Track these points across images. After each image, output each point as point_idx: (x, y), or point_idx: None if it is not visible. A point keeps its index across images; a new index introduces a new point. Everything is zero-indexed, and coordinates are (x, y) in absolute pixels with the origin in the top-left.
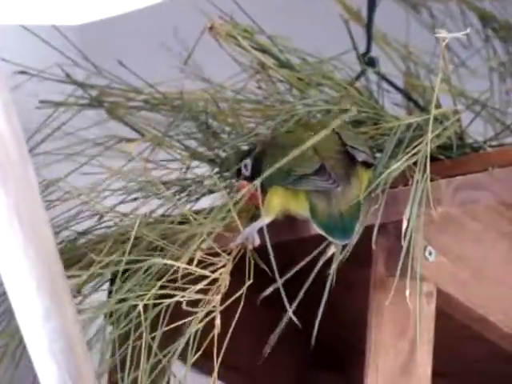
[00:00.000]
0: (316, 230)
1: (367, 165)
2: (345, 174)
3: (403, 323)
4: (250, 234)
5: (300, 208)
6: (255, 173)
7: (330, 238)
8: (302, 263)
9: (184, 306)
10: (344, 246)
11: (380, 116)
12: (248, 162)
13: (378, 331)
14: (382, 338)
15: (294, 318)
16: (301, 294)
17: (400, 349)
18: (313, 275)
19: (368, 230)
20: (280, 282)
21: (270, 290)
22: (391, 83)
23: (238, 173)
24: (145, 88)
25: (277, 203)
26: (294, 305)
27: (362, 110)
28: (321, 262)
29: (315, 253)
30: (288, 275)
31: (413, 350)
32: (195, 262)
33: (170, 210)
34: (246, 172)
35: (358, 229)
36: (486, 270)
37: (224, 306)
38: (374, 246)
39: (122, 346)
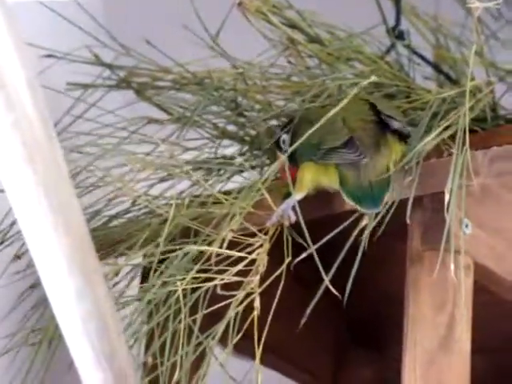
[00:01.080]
0: (346, 200)
1: (400, 136)
2: (374, 144)
3: (441, 297)
4: (285, 211)
5: (331, 181)
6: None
7: (358, 207)
8: (334, 232)
9: (219, 290)
10: (378, 219)
11: (411, 89)
12: (286, 137)
13: (415, 305)
14: (420, 313)
15: (332, 288)
16: (336, 264)
17: (439, 323)
18: (347, 247)
19: (403, 203)
20: (315, 254)
21: (304, 254)
22: (421, 56)
23: (279, 148)
24: (173, 68)
25: (308, 178)
26: (330, 276)
27: (393, 83)
28: (354, 233)
29: (346, 223)
30: (321, 242)
31: (452, 324)
32: (227, 244)
33: (200, 192)
34: (285, 147)
35: (387, 198)
36: None
37: (263, 286)
38: (408, 220)
39: (162, 331)
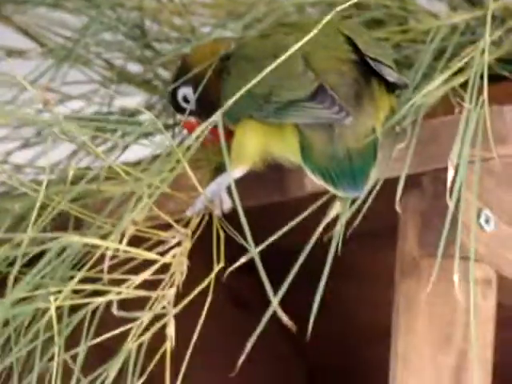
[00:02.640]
0: (311, 177)
1: (388, 85)
2: (354, 96)
3: (447, 326)
4: (216, 194)
5: (287, 149)
6: (206, 104)
7: (332, 189)
8: (286, 227)
9: (114, 310)
10: (354, 204)
11: (408, 12)
12: (187, 91)
13: (407, 340)
14: (415, 351)
15: (283, 316)
16: (289, 278)
17: (442, 365)
18: (306, 250)
19: (389, 185)
20: (257, 260)
21: (243, 259)
22: None
23: (178, 108)
24: None
25: (252, 145)
26: (279, 296)
27: (382, 3)
28: (320, 228)
29: (306, 213)
30: (266, 243)
31: (461, 366)
32: (128, 240)
33: (87, 163)
34: (188, 105)
35: (374, 177)
36: None
37: (181, 305)
38: (398, 209)
39: (23, 370)
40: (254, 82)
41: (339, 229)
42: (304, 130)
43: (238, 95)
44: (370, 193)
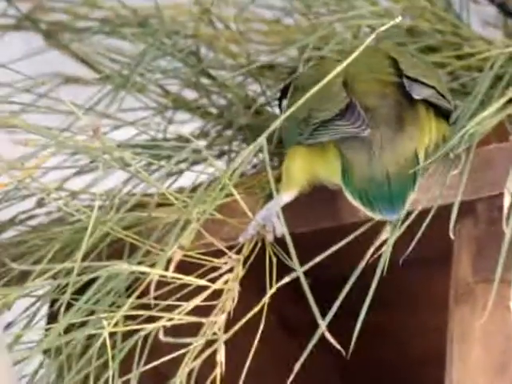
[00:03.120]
0: (349, 200)
1: (439, 111)
2: (395, 118)
3: (502, 354)
4: (267, 220)
5: (330, 172)
6: None
7: (369, 211)
8: (331, 250)
9: (162, 337)
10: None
11: (464, 40)
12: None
13: (462, 365)
14: (469, 377)
15: (332, 340)
16: (337, 302)
17: None
18: (356, 274)
19: (444, 210)
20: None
21: (286, 279)
22: None
23: None
24: (103, 1)
25: (298, 170)
26: (328, 320)
27: (436, 28)
28: (368, 254)
29: (350, 238)
30: (311, 263)
31: None
32: (180, 267)
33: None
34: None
35: (412, 201)
36: None
37: (232, 330)
38: (452, 235)
39: None
40: (294, 107)
41: (386, 253)
42: (345, 152)
43: (280, 120)
44: (422, 219)
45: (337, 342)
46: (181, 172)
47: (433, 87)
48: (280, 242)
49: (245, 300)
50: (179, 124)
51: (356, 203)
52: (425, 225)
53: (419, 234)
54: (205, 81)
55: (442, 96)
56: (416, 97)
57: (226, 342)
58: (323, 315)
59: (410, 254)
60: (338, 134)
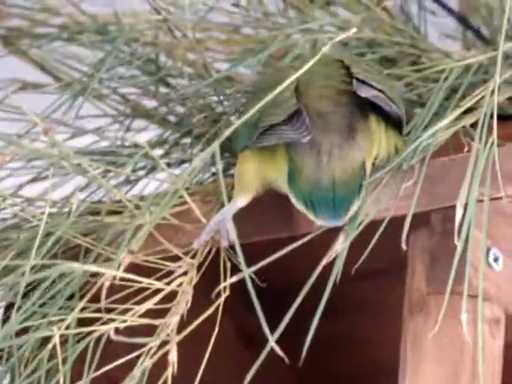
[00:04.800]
0: (294, 203)
1: (392, 122)
2: (347, 126)
3: (454, 366)
4: (221, 225)
5: (278, 175)
6: None
7: (312, 216)
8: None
9: (113, 336)
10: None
11: (422, 51)
12: None
13: (415, 377)
14: None
15: (279, 351)
16: (289, 313)
17: None
18: (309, 284)
19: (399, 222)
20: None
21: (233, 279)
22: (440, 2)
23: None
24: (62, 8)
25: (250, 174)
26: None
27: (394, 41)
28: (321, 264)
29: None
30: (258, 265)
31: None
32: (136, 271)
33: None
34: None
35: (357, 209)
36: None
37: (185, 332)
38: (404, 246)
39: None
40: (247, 114)
41: (339, 263)
42: (294, 156)
43: (233, 127)
44: (375, 230)
45: (292, 353)
46: (138, 179)
47: (381, 91)
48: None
49: (201, 306)
50: (139, 132)
51: (300, 206)
52: (377, 235)
53: (371, 245)
54: (164, 89)
55: (392, 101)
56: (362, 95)
57: (184, 352)
58: (279, 325)
59: (366, 265)
60: (281, 138)
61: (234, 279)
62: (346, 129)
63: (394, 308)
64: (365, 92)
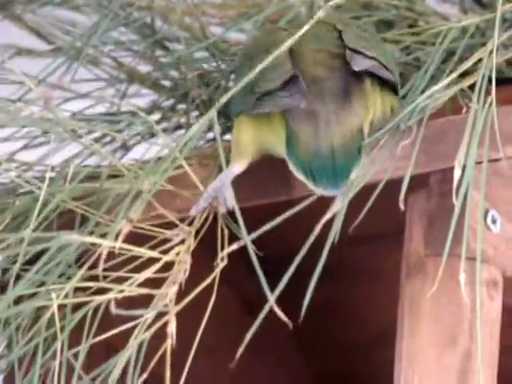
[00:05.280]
0: (293, 172)
1: (387, 84)
2: (342, 91)
3: (452, 327)
4: (219, 192)
5: (276, 142)
6: None
7: (311, 185)
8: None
9: (113, 309)
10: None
11: (418, 14)
12: None
13: (412, 339)
14: (420, 351)
15: (279, 312)
16: (286, 277)
17: (447, 366)
18: (304, 249)
19: (398, 184)
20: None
21: (233, 247)
22: None
23: None
24: None
25: (247, 140)
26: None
27: (391, 3)
28: (317, 228)
29: (299, 207)
30: (258, 233)
31: (467, 368)
32: (132, 238)
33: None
34: None
35: (357, 176)
36: None
37: (183, 303)
38: (401, 207)
39: (27, 369)
40: (245, 79)
41: (336, 226)
42: (291, 123)
43: (230, 93)
44: (371, 193)
45: (291, 317)
46: (135, 144)
47: (374, 58)
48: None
49: (200, 273)
50: (136, 97)
51: (299, 175)
52: (374, 198)
53: (367, 208)
54: (159, 53)
55: (385, 67)
56: (355, 68)
57: (183, 317)
58: (284, 291)
59: (365, 229)
60: (277, 106)
61: (234, 247)
62: (341, 94)
63: (392, 273)
64: (358, 65)
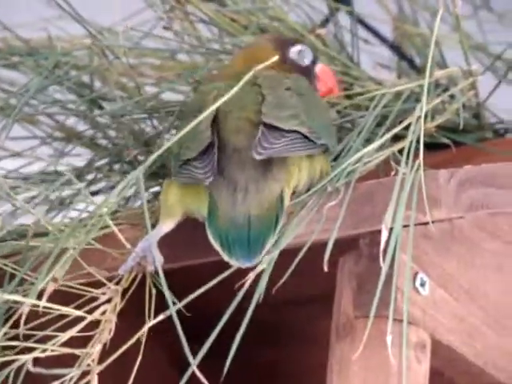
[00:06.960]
0: (211, 241)
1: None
2: (263, 160)
3: None
4: (147, 251)
5: (201, 208)
6: None
7: (225, 257)
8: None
9: (31, 368)
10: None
11: (354, 79)
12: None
13: None
14: None
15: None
16: (211, 338)
17: None
18: (229, 311)
19: (321, 247)
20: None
21: (160, 317)
22: (374, 31)
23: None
24: None
25: (174, 201)
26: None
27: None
28: (241, 293)
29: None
30: (183, 302)
31: None
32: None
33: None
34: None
35: (272, 247)
36: (508, 312)
37: (107, 362)
38: (325, 268)
39: None
40: (168, 143)
41: (260, 287)
42: (213, 191)
43: (159, 152)
44: (305, 256)
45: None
46: (68, 204)
47: (292, 131)
48: (166, 273)
49: (131, 330)
50: (70, 157)
51: (215, 245)
52: (297, 260)
53: (290, 270)
54: (96, 112)
55: (307, 137)
56: (256, 157)
57: (115, 376)
58: (211, 352)
59: (296, 292)
60: (191, 178)
61: (160, 318)
62: (262, 162)
63: (323, 337)
64: (262, 153)
